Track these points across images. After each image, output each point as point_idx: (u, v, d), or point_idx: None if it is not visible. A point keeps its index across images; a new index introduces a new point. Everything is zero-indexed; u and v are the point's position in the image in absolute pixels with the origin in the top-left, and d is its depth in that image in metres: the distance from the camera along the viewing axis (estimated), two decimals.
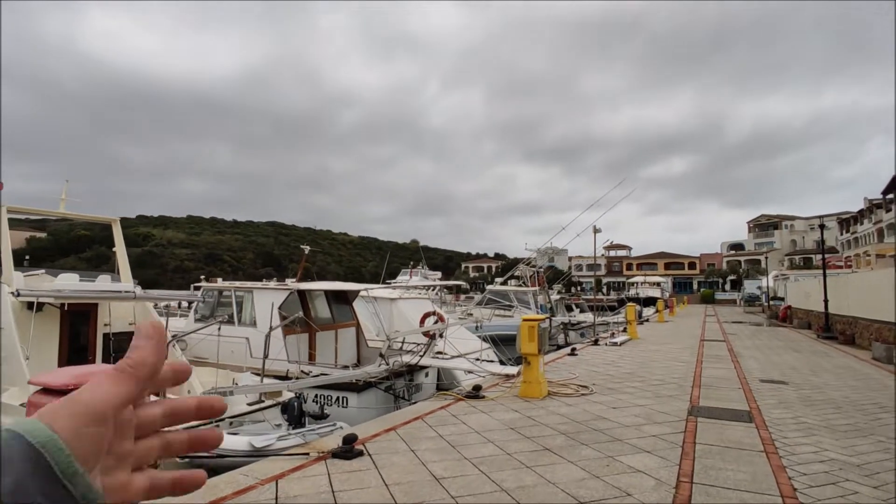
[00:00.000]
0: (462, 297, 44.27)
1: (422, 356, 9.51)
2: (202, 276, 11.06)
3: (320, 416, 7.67)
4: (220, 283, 11.16)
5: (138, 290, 9.96)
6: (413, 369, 10.09)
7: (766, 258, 49.91)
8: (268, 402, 7.46)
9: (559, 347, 16.78)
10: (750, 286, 55.61)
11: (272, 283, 10.85)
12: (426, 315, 12.87)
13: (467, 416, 6.39)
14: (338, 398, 9.16)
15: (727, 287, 76.33)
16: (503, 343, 12.75)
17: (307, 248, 12.51)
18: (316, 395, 9.29)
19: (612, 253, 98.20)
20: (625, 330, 18.28)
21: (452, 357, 11.23)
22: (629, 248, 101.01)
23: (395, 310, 13.86)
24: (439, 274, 35.36)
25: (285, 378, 9.50)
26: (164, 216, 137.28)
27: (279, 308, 10.24)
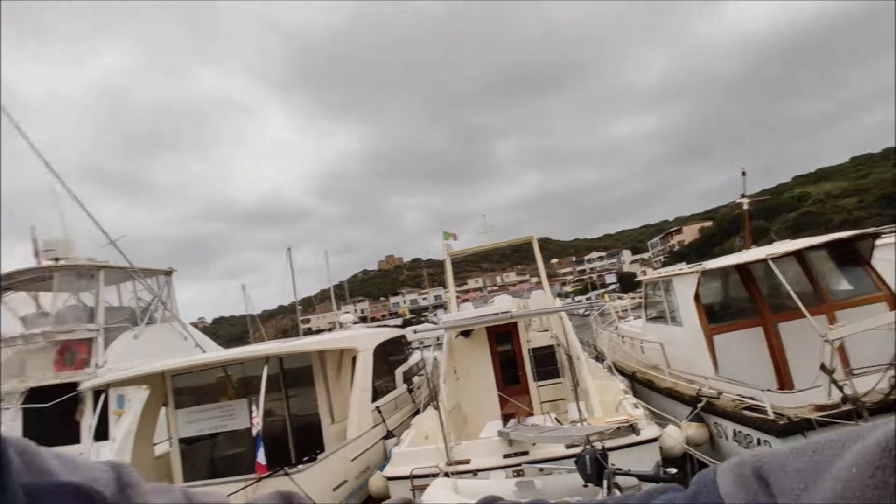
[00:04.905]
0: None
1: None
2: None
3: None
4: (651, 274, 9.02)
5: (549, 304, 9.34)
6: None
7: None
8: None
9: None
10: None
11: (686, 267, 7.68)
12: None
13: None
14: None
15: None
16: None
17: None
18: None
19: None
20: None
21: None
22: None
23: None
24: None
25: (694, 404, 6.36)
26: (821, 169, 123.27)
27: (693, 297, 7.10)
